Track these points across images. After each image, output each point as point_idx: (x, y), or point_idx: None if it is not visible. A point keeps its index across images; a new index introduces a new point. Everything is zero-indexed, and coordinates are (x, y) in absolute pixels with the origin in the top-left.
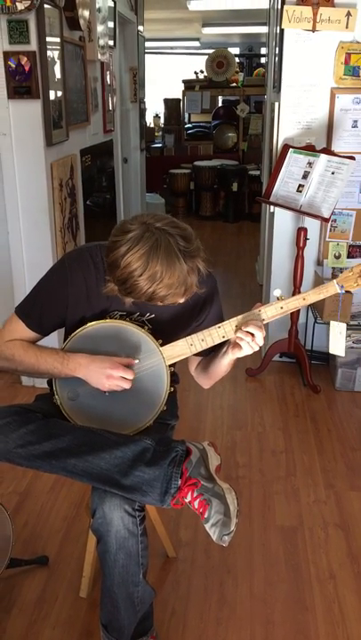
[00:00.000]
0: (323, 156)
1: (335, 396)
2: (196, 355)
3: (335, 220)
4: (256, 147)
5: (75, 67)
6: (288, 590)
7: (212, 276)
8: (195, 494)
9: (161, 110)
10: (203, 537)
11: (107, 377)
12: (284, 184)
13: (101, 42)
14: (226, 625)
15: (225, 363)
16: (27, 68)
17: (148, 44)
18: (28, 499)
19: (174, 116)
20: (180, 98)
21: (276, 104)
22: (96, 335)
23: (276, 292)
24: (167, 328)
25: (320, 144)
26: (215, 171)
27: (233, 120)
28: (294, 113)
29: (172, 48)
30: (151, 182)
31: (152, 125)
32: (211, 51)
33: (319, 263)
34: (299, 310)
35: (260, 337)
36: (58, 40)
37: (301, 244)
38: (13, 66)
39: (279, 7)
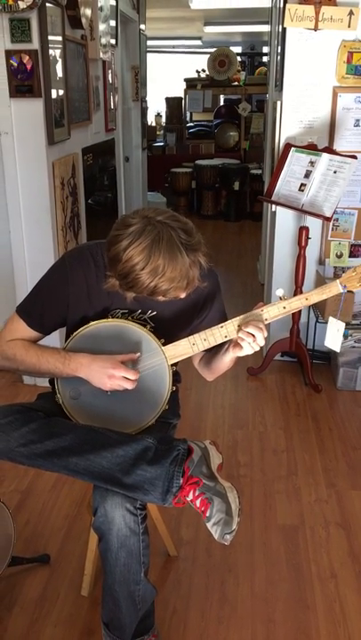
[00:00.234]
0: (325, 155)
1: (337, 395)
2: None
3: (337, 220)
4: (258, 146)
5: (76, 65)
6: (289, 589)
7: (213, 271)
8: (196, 493)
9: (163, 109)
10: (204, 536)
11: (109, 377)
12: (286, 183)
13: (103, 40)
14: (227, 624)
15: (227, 359)
16: (28, 67)
17: (149, 42)
18: (30, 497)
19: (176, 115)
20: (182, 96)
21: (278, 103)
22: (98, 334)
23: (279, 292)
24: (169, 325)
25: (322, 143)
26: (217, 170)
27: (235, 119)
28: (296, 112)
29: (173, 47)
30: (153, 181)
31: (154, 124)
32: (213, 49)
33: (321, 262)
34: (300, 310)
35: (260, 338)
36: (60, 38)
37: (303, 244)
38: (15, 64)
39: (281, 6)
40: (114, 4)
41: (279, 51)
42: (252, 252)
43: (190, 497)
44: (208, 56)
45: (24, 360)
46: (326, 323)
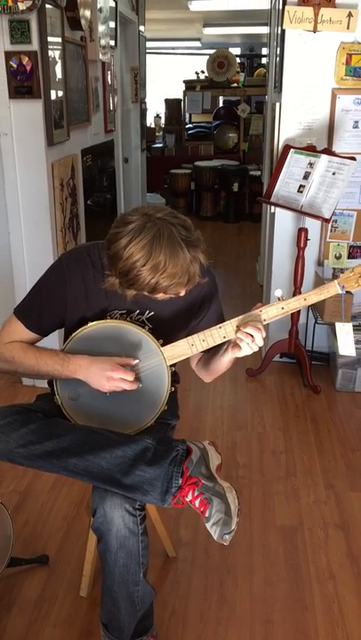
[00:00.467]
0: (324, 157)
1: (335, 396)
2: None
3: (336, 221)
4: (257, 147)
5: (76, 67)
6: (288, 590)
7: (211, 272)
8: (195, 493)
9: (162, 110)
10: (203, 536)
11: (107, 379)
12: (285, 184)
13: (102, 42)
14: (226, 624)
15: (225, 361)
16: (28, 68)
17: (149, 44)
18: (29, 498)
19: (175, 117)
20: (181, 98)
21: (278, 104)
22: (96, 336)
23: (277, 293)
24: (167, 326)
25: (321, 144)
26: (216, 171)
27: (234, 120)
28: (295, 113)
29: (173, 48)
30: (152, 182)
31: (153, 125)
32: (212, 51)
33: (320, 264)
34: (299, 311)
35: (259, 338)
36: (59, 40)
37: (302, 245)
38: (15, 66)
39: (280, 8)
40: (113, 5)
41: (278, 52)
42: (251, 254)
43: (189, 497)
44: (207, 57)
45: (22, 362)
46: (326, 324)
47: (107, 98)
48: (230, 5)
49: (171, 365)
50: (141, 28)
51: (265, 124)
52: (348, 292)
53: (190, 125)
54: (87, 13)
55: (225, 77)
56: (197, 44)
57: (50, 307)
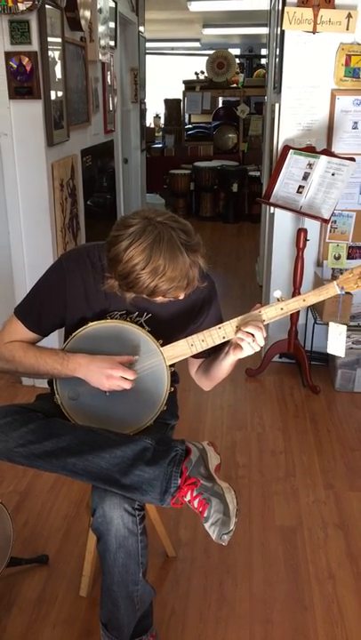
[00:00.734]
0: (323, 158)
1: (335, 396)
2: (197, 357)
3: (335, 222)
4: (256, 148)
5: (76, 67)
6: (287, 590)
7: (210, 278)
8: (194, 493)
9: (161, 111)
10: (202, 536)
11: (107, 377)
12: (285, 185)
13: (102, 42)
14: (225, 624)
15: (226, 364)
16: (28, 69)
17: (148, 44)
18: (29, 498)
19: (175, 117)
20: (181, 98)
21: (277, 105)
22: (96, 335)
23: (277, 294)
24: (165, 329)
25: (320, 145)
26: (215, 171)
27: (233, 121)
28: (295, 114)
29: (172, 49)
30: (151, 183)
31: (152, 126)
32: (211, 51)
33: (319, 264)
34: (298, 311)
35: (260, 337)
36: (59, 40)
37: (301, 245)
38: (15, 66)
39: (280, 8)
40: (113, 6)
41: (278, 53)
42: (250, 254)
43: (188, 497)
44: (207, 58)
45: (22, 361)
46: (325, 324)
47: (106, 98)
48: (230, 6)
49: (170, 365)
50: (141, 28)
51: (264, 125)
52: (347, 293)
53: (190, 126)
54: (87, 14)
55: (224, 78)
56: (197, 44)
57: (50, 307)
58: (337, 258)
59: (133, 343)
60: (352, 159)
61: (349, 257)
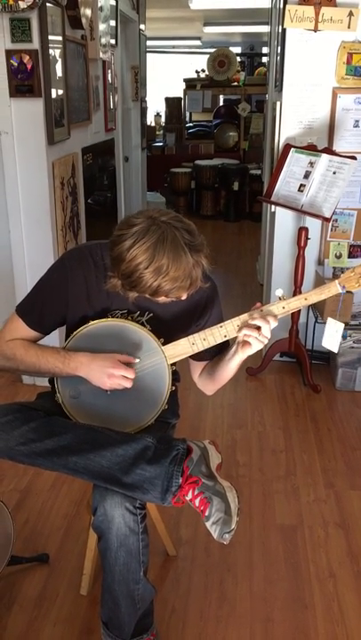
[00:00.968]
0: (324, 156)
1: (335, 395)
2: (200, 359)
3: (336, 220)
4: (257, 146)
5: (76, 65)
6: (288, 588)
7: (211, 280)
8: (196, 492)
9: (162, 109)
10: (203, 535)
11: (108, 376)
12: (286, 184)
13: (103, 40)
14: (226, 623)
15: (233, 365)
16: (29, 67)
17: (149, 42)
18: (29, 496)
19: (175, 115)
20: (182, 97)
21: (278, 103)
22: (98, 334)
23: (278, 292)
24: (166, 329)
25: (322, 144)
26: (216, 170)
27: (234, 119)
28: (296, 112)
29: (173, 47)
30: (152, 181)
31: (153, 124)
32: (212, 50)
33: (320, 263)
34: (299, 310)
35: (266, 329)
36: (60, 38)
37: (302, 244)
38: (15, 64)
39: (281, 7)
40: (114, 4)
41: (279, 51)
42: (251, 253)
43: (189, 496)
44: (208, 56)
45: (24, 360)
46: (325, 323)
47: (107, 96)
48: (231, 4)
49: (171, 364)
50: (142, 26)
51: (265, 123)
52: (348, 292)
53: (191, 124)
54: (88, 12)
55: (225, 76)
56: (198, 42)
57: (51, 305)
58: (338, 256)
59: (135, 342)
60: (353, 157)
61: (351, 255)
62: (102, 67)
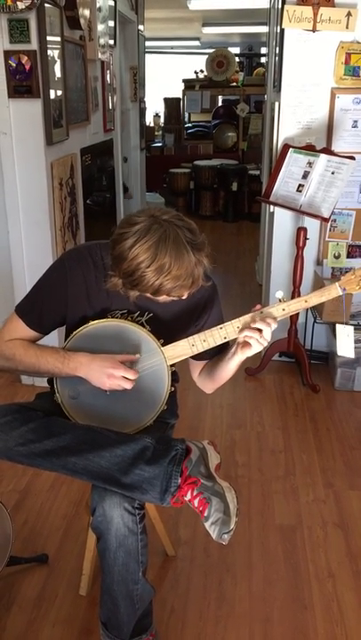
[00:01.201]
0: (323, 156)
1: (334, 395)
2: (200, 358)
3: (335, 220)
4: (256, 146)
5: (75, 66)
6: (287, 589)
7: (212, 280)
8: (194, 493)
9: (161, 109)
10: (202, 535)
11: (108, 376)
12: (284, 184)
13: (102, 41)
14: (225, 623)
15: (233, 365)
16: (27, 67)
17: (148, 43)
18: (28, 497)
19: (174, 116)
20: (180, 97)
21: (277, 104)
22: (97, 334)
23: (278, 294)
24: (166, 329)
25: (320, 144)
26: (215, 170)
27: (233, 119)
28: (294, 113)
29: (172, 47)
30: (151, 181)
31: (152, 125)
32: (211, 50)
33: (319, 263)
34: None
35: (267, 332)
36: (58, 39)
37: (301, 244)
38: (14, 65)
39: (279, 7)
40: (112, 4)
41: (277, 52)
42: (250, 253)
43: (188, 497)
44: (206, 57)
45: (23, 360)
46: (325, 323)
47: (106, 97)
48: (229, 4)
49: (170, 365)
50: (140, 27)
51: (264, 124)
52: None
53: (189, 124)
54: (86, 12)
55: (224, 77)
56: (197, 43)
57: (51, 305)
58: (337, 257)
59: (134, 342)
60: (352, 158)
61: (349, 256)
62: (101, 67)
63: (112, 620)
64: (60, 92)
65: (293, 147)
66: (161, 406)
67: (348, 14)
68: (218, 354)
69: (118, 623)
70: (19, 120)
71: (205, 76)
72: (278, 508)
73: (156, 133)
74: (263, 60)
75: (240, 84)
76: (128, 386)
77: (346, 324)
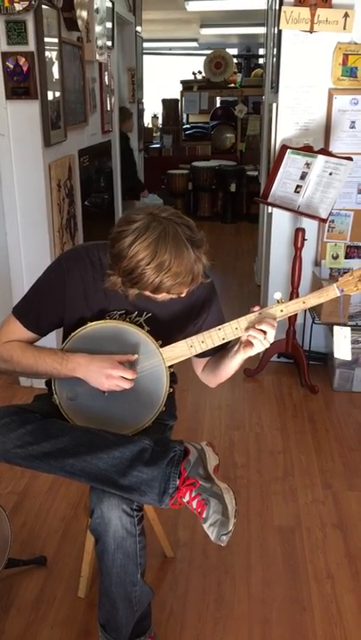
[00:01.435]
0: (320, 157)
1: (333, 396)
2: (202, 356)
3: (333, 221)
4: (254, 147)
5: (73, 67)
6: (286, 590)
7: (210, 278)
8: (193, 494)
9: (159, 111)
10: (201, 537)
11: (106, 377)
12: (282, 185)
13: (99, 42)
14: (224, 625)
15: (235, 363)
16: (25, 69)
17: (146, 44)
18: (27, 499)
19: (172, 117)
20: (179, 98)
21: (274, 105)
22: (96, 335)
23: (277, 295)
24: (164, 329)
25: (318, 145)
26: (213, 171)
27: (231, 121)
28: (292, 114)
29: (170, 49)
30: (149, 183)
31: (150, 126)
32: (209, 51)
33: (317, 264)
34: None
35: (271, 334)
36: (56, 41)
37: (299, 245)
38: (11, 66)
39: (277, 8)
40: (110, 5)
41: (275, 53)
42: (248, 254)
43: (187, 498)
44: (204, 58)
45: (21, 361)
46: (323, 324)
47: (104, 98)
48: (227, 6)
49: (169, 366)
50: (138, 28)
51: (262, 125)
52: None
53: (188, 126)
54: (84, 14)
55: (222, 78)
56: (194, 44)
57: (48, 306)
58: (335, 257)
59: (133, 344)
60: (350, 158)
61: (347, 256)
62: (99, 69)
63: (111, 621)
64: (57, 94)
65: (291, 148)
66: (159, 408)
67: (346, 15)
68: (220, 350)
69: (117, 625)
70: (16, 121)
71: (203, 77)
72: (277, 509)
73: (155, 134)
74: (261, 61)
75: (238, 85)
76: (127, 386)
77: (345, 324)
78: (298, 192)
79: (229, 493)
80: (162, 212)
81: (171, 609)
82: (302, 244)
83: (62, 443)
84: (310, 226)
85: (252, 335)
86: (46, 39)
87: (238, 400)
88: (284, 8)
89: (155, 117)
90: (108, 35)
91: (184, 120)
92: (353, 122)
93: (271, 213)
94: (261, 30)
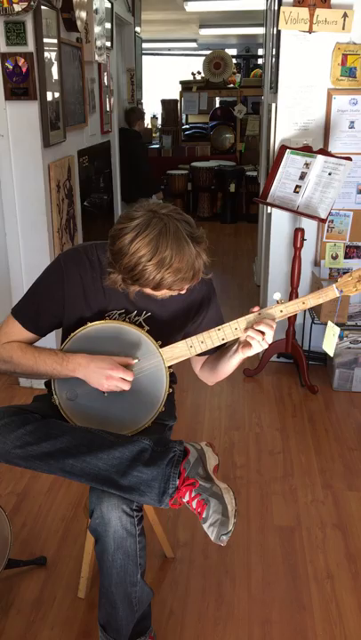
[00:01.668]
0: (320, 157)
1: (333, 396)
2: (201, 355)
3: (332, 221)
4: (253, 148)
5: (72, 68)
6: (286, 590)
7: (210, 273)
8: (193, 494)
9: (158, 111)
10: (201, 537)
11: (106, 377)
12: (282, 185)
13: (98, 43)
14: (224, 625)
15: (233, 363)
16: (24, 70)
17: (145, 45)
18: (26, 499)
19: (172, 117)
20: (178, 99)
21: (274, 105)
22: (96, 336)
23: (276, 296)
24: (164, 328)
25: (317, 145)
26: (213, 172)
27: (230, 121)
28: (291, 114)
29: (169, 49)
30: None
31: (149, 126)
32: (208, 52)
33: (316, 264)
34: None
35: (270, 335)
36: (55, 41)
37: (299, 245)
38: (10, 67)
39: (276, 8)
40: (109, 6)
41: (274, 53)
42: (248, 254)
43: (186, 498)
44: (203, 58)
45: (21, 362)
46: (322, 324)
47: (103, 99)
48: (226, 6)
49: (169, 367)
50: (137, 29)
51: (261, 125)
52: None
53: (187, 126)
54: (83, 15)
55: (221, 78)
56: (193, 44)
57: (48, 307)
58: (334, 257)
59: (133, 344)
60: (349, 159)
61: (347, 256)
62: (98, 69)
63: (111, 622)
64: (57, 94)
65: (290, 148)
66: (159, 408)
67: (345, 15)
68: (219, 349)
69: (117, 625)
70: (16, 122)
71: (203, 77)
72: (277, 509)
73: (154, 135)
74: (260, 61)
75: (237, 86)
76: (126, 387)
77: (343, 324)
78: (297, 192)
79: (229, 493)
80: (162, 209)
81: (171, 609)
82: (302, 245)
83: (62, 443)
84: (310, 226)
85: (251, 336)
86: (45, 40)
87: (238, 400)
88: (283, 8)
89: (154, 118)
90: (108, 35)
91: (183, 120)
92: (352, 122)
93: (270, 213)
94: (260, 31)
